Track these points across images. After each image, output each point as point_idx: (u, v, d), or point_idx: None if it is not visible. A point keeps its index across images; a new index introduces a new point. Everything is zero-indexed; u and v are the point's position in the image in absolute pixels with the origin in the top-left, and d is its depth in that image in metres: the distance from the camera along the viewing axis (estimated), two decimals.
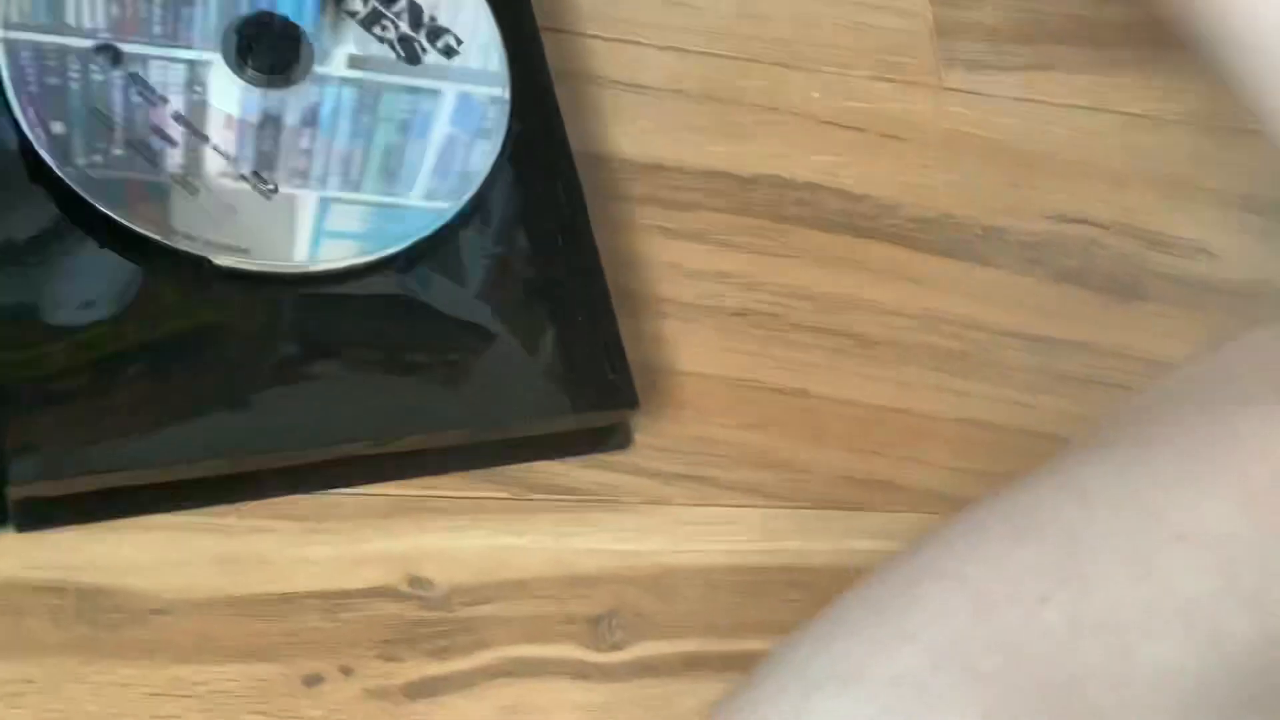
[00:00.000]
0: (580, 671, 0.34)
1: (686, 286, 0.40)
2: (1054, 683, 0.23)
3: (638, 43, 0.43)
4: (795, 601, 0.37)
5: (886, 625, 0.23)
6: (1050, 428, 0.42)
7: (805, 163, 0.44)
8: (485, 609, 0.34)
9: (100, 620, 0.30)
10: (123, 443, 0.30)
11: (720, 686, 0.35)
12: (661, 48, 0.44)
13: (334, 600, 0.32)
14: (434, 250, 0.35)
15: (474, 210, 0.36)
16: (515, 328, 0.36)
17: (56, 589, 0.30)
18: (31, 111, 0.31)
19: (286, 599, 0.32)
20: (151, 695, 0.30)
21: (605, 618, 0.35)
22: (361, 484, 0.34)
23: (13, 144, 0.31)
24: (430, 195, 0.36)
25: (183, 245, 0.32)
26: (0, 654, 0.29)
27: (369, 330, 0.34)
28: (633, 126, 0.42)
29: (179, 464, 0.31)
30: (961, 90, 0.48)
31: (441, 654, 0.33)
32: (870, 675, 0.22)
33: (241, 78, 0.34)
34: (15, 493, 0.29)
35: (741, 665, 0.36)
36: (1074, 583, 0.24)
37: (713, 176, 0.42)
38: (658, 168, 0.42)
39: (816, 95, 0.45)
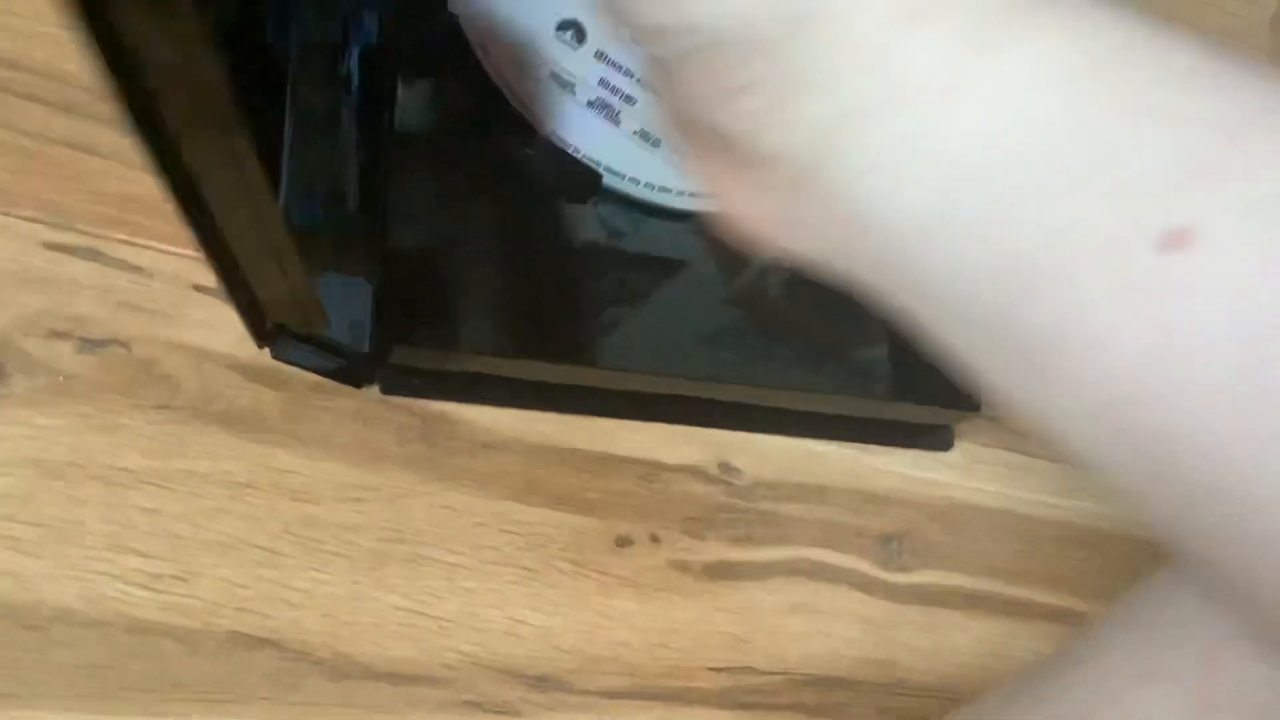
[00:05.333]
0: (865, 585, 0.34)
1: None
2: None
3: None
4: (1080, 561, 0.37)
5: None
6: None
7: None
8: (785, 507, 0.34)
9: (439, 444, 0.31)
10: (490, 333, 0.30)
11: (997, 629, 0.35)
12: None
13: (650, 469, 0.33)
14: None
15: None
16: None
17: (407, 408, 0.32)
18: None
19: (608, 459, 0.33)
20: (477, 525, 0.31)
21: (895, 539, 0.35)
22: (683, 422, 0.34)
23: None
24: None
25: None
26: (350, 460, 0.31)
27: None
28: None
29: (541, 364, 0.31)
30: None
31: (741, 541, 0.33)
32: None
33: None
34: (396, 356, 0.29)
35: (1020, 614, 0.35)
36: None
37: None
38: None
39: None
